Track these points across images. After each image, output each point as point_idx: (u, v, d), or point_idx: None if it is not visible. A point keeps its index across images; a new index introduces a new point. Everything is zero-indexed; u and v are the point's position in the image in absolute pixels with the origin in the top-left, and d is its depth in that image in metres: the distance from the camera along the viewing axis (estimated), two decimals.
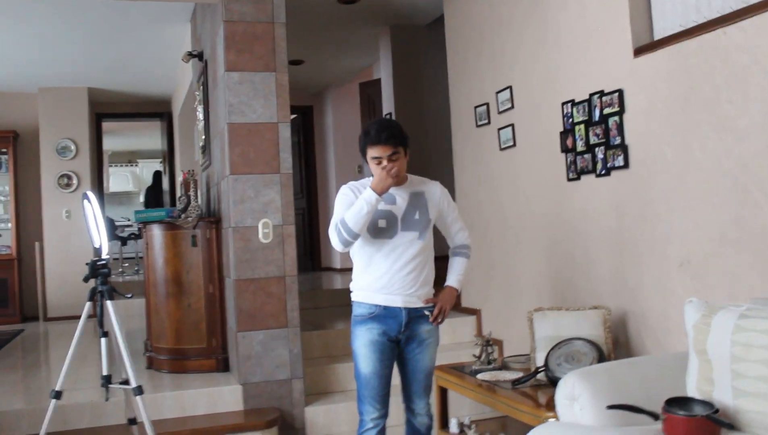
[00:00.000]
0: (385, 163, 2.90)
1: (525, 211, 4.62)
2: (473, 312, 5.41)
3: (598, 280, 3.92)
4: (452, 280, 3.20)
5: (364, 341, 2.97)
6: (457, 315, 5.51)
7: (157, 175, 11.38)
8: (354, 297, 3.08)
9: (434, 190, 3.14)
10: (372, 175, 3.01)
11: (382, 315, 2.97)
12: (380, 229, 2.96)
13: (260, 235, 4.48)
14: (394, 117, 7.22)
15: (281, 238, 4.51)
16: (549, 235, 4.37)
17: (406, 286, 2.98)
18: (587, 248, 4.00)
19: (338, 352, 5.12)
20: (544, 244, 4.43)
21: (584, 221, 4.02)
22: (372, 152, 2.91)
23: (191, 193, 5.08)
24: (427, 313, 3.04)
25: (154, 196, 11.12)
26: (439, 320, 3.07)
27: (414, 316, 3.01)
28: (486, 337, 4.19)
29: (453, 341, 5.33)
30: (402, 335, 3.02)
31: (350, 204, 2.99)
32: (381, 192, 2.89)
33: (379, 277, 2.97)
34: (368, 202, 2.88)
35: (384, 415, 3.02)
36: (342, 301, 6.74)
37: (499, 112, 4.86)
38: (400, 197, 3.03)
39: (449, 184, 5.72)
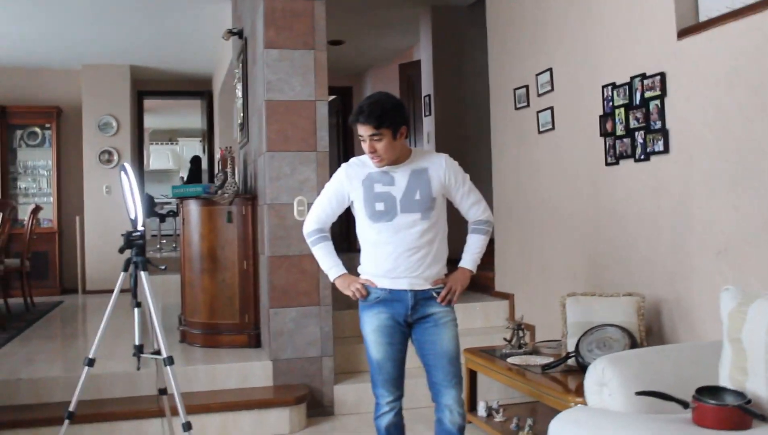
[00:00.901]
0: (366, 145, 2.84)
1: (562, 195, 4.58)
2: (506, 296, 5.39)
3: (633, 267, 3.87)
4: (466, 260, 3.03)
5: (372, 326, 2.90)
6: (491, 299, 5.50)
7: (196, 160, 11.52)
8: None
9: (438, 164, 2.93)
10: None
11: (389, 299, 2.88)
12: (379, 212, 2.86)
13: (295, 213, 4.51)
14: (432, 99, 7.23)
15: None
16: (586, 219, 4.32)
17: (411, 269, 2.85)
18: (624, 234, 3.95)
19: None
20: (580, 229, 4.39)
21: (622, 206, 3.97)
22: (357, 129, 2.85)
23: (228, 169, 5.13)
24: (434, 294, 2.90)
25: (194, 178, 11.26)
26: (448, 299, 2.91)
27: (421, 298, 2.88)
28: (518, 321, 4.17)
29: (485, 325, 5.33)
30: (410, 318, 2.90)
31: (340, 195, 2.97)
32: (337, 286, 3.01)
33: (383, 260, 2.87)
34: (326, 272, 3.03)
35: (399, 397, 2.96)
36: None
37: (539, 95, 4.81)
38: (400, 176, 2.88)
39: (487, 167, 5.72)
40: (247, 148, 5.58)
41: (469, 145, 6.88)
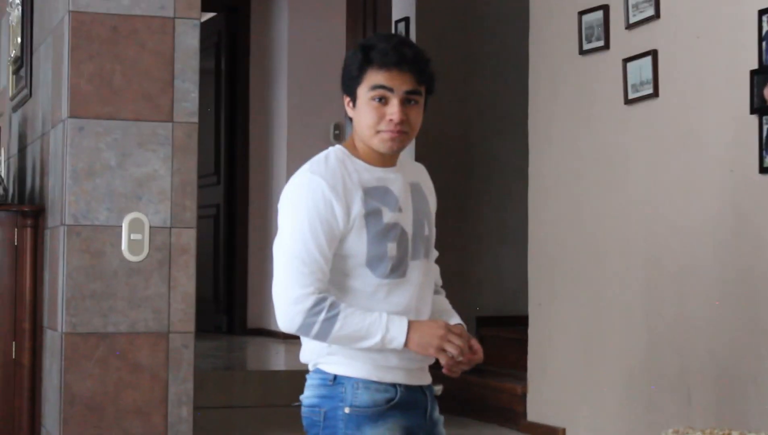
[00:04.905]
0: (394, 106, 3.05)
1: (666, 232, 4.70)
2: (552, 433, 5.35)
3: None
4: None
5: None
6: None
7: None
8: (345, 370, 3.13)
9: (426, 183, 3.37)
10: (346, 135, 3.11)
11: (405, 402, 3.13)
12: (390, 259, 3.10)
13: (124, 245, 4.49)
14: (413, 27, 7.37)
15: (167, 255, 4.60)
16: (715, 282, 4.41)
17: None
18: None
19: None
20: (701, 301, 4.48)
21: None
22: (375, 78, 3.05)
23: None
24: (436, 388, 3.31)
25: None
26: None
27: (431, 397, 3.26)
28: None
29: None
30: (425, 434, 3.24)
31: (330, 234, 3.04)
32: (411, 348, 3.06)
33: None
34: (388, 344, 3.02)
35: None
36: (289, 394, 6.63)
37: (629, 26, 4.91)
38: (402, 192, 3.18)
39: (515, 167, 5.68)
40: (27, 110, 5.67)
41: (482, 123, 6.90)
